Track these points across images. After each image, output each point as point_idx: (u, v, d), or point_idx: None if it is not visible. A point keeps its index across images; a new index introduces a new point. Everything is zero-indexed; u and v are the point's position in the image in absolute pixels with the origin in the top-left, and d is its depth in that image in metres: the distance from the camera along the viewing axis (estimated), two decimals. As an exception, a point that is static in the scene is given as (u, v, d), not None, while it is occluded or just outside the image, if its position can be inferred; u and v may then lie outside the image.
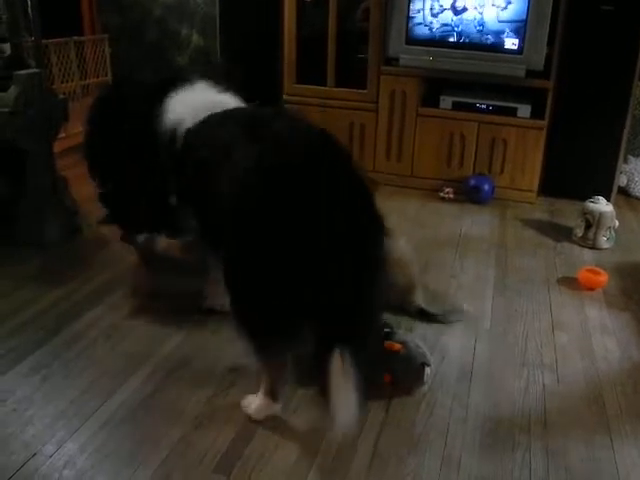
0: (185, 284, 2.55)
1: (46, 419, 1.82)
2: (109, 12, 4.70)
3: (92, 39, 4.60)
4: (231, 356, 2.10)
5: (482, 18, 3.42)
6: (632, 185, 3.86)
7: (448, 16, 3.47)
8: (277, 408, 1.84)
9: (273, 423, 1.84)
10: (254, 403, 1.84)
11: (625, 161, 3.84)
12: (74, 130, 4.23)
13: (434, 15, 3.49)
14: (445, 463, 1.71)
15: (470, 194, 3.65)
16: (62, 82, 4.23)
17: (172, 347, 2.18)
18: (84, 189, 3.39)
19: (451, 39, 3.51)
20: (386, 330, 2.04)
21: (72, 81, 4.32)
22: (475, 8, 3.42)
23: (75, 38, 4.35)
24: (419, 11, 3.49)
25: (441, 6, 3.46)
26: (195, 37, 4.58)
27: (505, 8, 3.38)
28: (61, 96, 3.05)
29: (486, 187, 3.62)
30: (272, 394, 1.82)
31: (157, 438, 1.76)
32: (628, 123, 3.53)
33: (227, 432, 1.79)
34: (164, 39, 4.58)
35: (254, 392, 1.87)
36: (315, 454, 1.72)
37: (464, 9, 3.44)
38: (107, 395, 1.93)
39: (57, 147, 2.96)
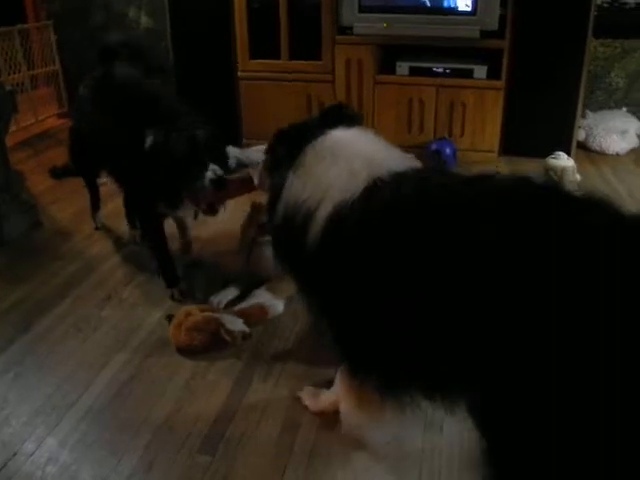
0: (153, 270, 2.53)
1: (23, 417, 1.79)
2: (51, -3, 4.54)
3: (36, 26, 4.45)
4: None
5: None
6: (591, 139, 3.91)
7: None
8: None
9: (253, 401, 1.83)
10: None
11: (583, 116, 3.88)
12: (25, 123, 4.12)
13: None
14: (427, 428, 1.71)
15: (432, 159, 3.65)
16: (9, 74, 4.10)
17: (145, 334, 2.16)
18: (40, 182, 3.33)
19: (404, 4, 3.48)
20: None
21: (19, 72, 4.19)
22: (425, -29, 3.40)
23: (19, 26, 4.21)
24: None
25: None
26: (144, 19, 4.46)
27: (456, -31, 3.36)
28: (8, 88, 2.95)
29: (447, 151, 3.63)
30: None
31: (138, 425, 1.75)
32: (584, 79, 3.55)
33: (208, 413, 1.79)
34: (110, 22, 4.44)
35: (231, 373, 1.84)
36: (297, 428, 1.73)
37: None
38: (84, 387, 1.90)
39: (9, 141, 2.88)
